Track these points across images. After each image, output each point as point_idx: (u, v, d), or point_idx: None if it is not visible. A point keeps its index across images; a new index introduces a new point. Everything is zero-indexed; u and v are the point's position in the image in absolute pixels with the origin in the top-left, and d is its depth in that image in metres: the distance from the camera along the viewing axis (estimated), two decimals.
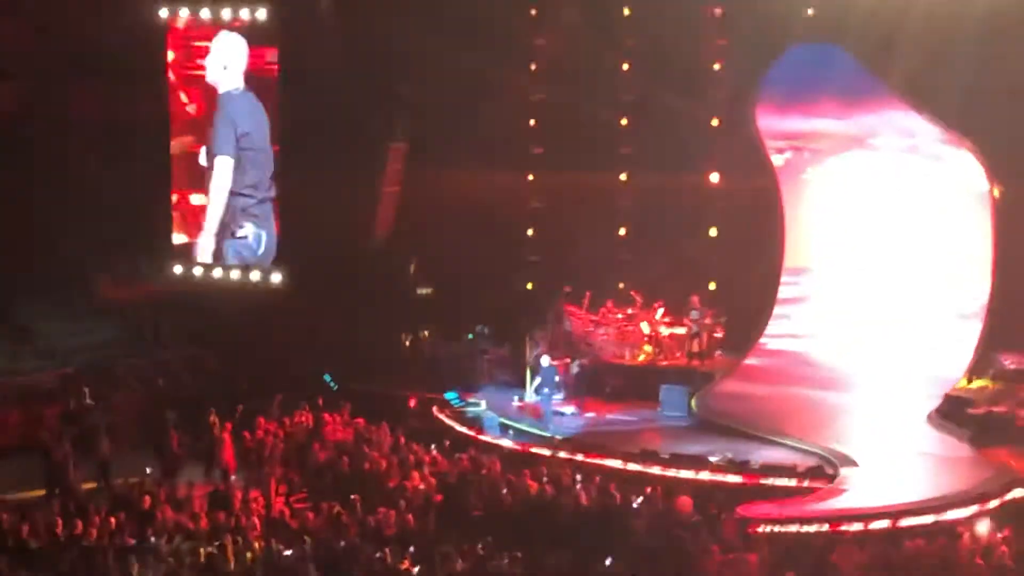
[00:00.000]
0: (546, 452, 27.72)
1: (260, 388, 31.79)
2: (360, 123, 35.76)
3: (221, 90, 36.31)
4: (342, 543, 21.82)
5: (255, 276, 36.04)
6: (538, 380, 31.92)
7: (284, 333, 34.58)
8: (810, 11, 33.29)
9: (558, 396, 32.06)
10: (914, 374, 31.88)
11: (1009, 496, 24.30)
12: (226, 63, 36.10)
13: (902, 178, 33.59)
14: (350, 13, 35.60)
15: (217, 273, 36.38)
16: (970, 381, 31.21)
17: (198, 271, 36.49)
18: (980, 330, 31.93)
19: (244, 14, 35.84)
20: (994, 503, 23.91)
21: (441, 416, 31.76)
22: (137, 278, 36.86)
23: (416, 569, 20.56)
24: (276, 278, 36.01)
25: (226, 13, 36.02)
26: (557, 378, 31.91)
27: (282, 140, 35.51)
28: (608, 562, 20.53)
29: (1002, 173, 31.66)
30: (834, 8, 32.57)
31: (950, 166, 32.70)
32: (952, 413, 29.41)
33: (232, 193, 36.15)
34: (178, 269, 36.59)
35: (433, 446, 28.76)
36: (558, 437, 29.59)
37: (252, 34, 36.04)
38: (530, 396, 32.45)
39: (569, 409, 31.88)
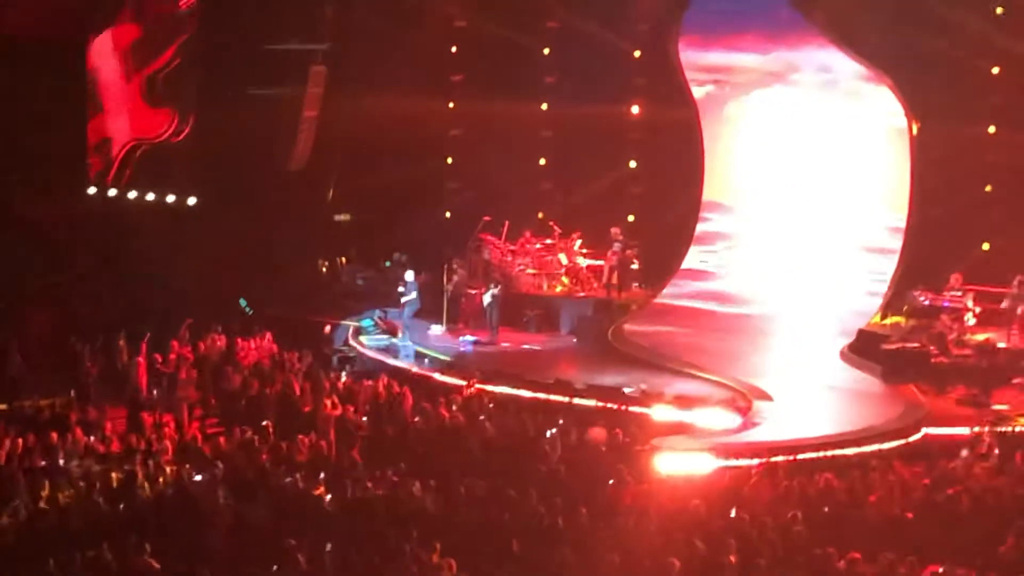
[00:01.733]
0: (461, 381, 27.63)
1: (174, 312, 31.50)
2: (280, 45, 35.38)
3: None
4: (254, 469, 21.72)
5: (171, 199, 35.64)
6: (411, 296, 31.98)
7: (199, 257, 34.21)
8: None
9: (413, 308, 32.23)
10: (829, 310, 32.06)
11: (920, 432, 24.51)
12: None
13: (821, 114, 33.68)
14: None
15: (132, 195, 35.92)
16: (884, 317, 31.46)
17: (112, 192, 36.01)
18: (895, 267, 32.15)
19: None
20: (904, 439, 24.11)
21: (355, 343, 31.67)
22: (52, 197, 36.33)
23: (328, 495, 20.49)
24: (192, 201, 35.64)
25: None
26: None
27: (202, 62, 35.00)
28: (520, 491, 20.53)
29: (920, 110, 31.80)
30: None
31: (869, 102, 32.81)
32: (866, 349, 29.60)
33: None
34: (92, 190, 36.10)
35: (344, 373, 28.68)
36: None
37: None
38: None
39: (470, 337, 31.81)
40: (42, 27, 32.74)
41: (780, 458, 22.65)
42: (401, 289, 31.95)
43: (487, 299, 32.30)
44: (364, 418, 25.06)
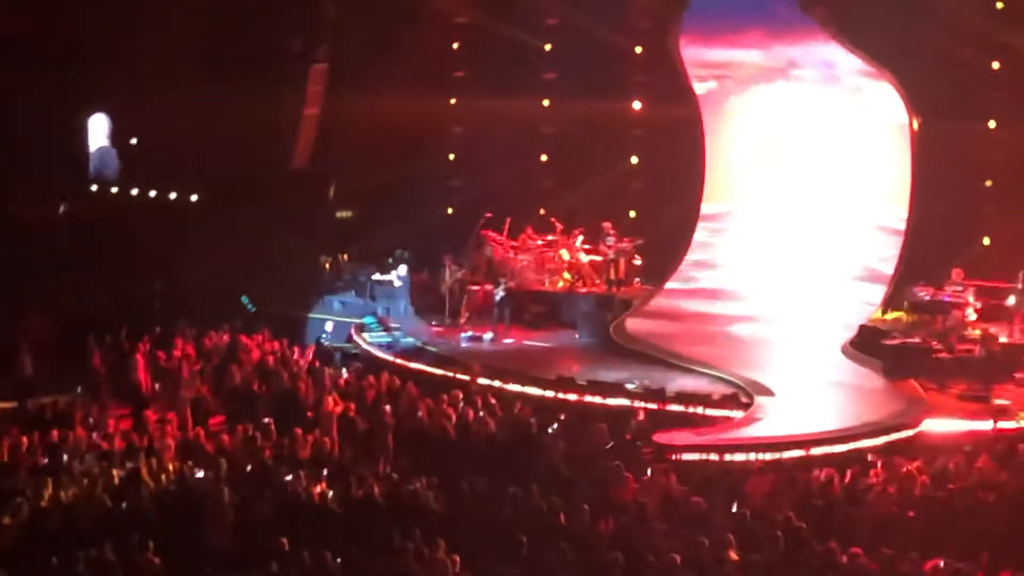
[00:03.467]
0: (463, 377, 27.66)
1: (177, 309, 31.56)
2: (282, 43, 35.42)
3: None
4: (256, 465, 21.77)
5: (173, 196, 35.70)
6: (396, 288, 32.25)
7: (202, 254, 34.26)
8: None
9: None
10: (830, 305, 32.08)
11: (921, 427, 24.56)
12: None
13: (823, 110, 33.71)
14: None
15: (134, 192, 36.00)
16: (885, 312, 31.48)
17: (114, 190, 36.09)
18: (896, 262, 32.18)
19: None
20: (906, 433, 24.17)
21: (358, 339, 31.73)
22: (52, 197, 36.43)
23: (331, 492, 20.54)
24: (194, 198, 35.70)
25: None
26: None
27: (204, 59, 35.03)
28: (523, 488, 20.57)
29: (922, 106, 31.83)
30: None
31: (871, 98, 32.82)
32: (867, 344, 29.62)
33: None
34: (94, 187, 36.18)
35: (346, 370, 28.74)
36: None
37: None
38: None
39: (488, 335, 31.89)
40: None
41: (782, 454, 22.73)
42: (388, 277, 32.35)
43: (498, 295, 32.34)
44: (367, 415, 25.08)
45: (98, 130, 36.23)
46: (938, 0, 31.04)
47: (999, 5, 32.19)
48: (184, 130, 34.85)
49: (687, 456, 22.66)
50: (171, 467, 21.73)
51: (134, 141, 36.11)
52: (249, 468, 21.75)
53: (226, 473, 21.21)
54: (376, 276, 34.05)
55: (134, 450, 22.61)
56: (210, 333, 30.11)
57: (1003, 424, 24.56)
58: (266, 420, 24.12)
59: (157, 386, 27.78)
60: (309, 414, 25.15)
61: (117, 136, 36.92)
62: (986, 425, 24.48)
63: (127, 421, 25.54)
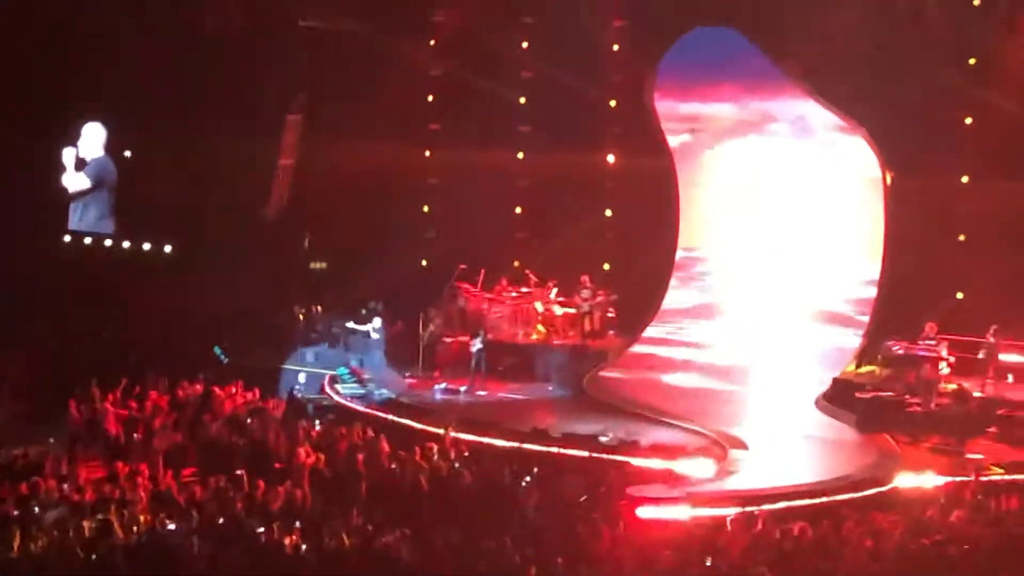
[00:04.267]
0: (437, 429, 27.59)
1: (150, 360, 31.43)
2: (257, 94, 35.44)
3: None
4: (228, 518, 21.62)
5: (147, 247, 35.61)
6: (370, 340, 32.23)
7: (174, 305, 34.15)
8: None
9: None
10: (804, 358, 32.14)
11: (894, 481, 24.56)
12: None
13: (797, 163, 33.91)
14: None
15: (108, 243, 35.91)
16: (859, 366, 31.56)
17: (88, 240, 35.99)
18: (870, 316, 32.28)
19: None
20: (880, 488, 24.16)
21: (332, 391, 31.63)
22: (28, 246, 36.26)
23: (303, 545, 20.40)
24: (168, 249, 35.62)
25: None
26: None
27: (179, 109, 34.99)
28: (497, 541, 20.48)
29: (895, 160, 32.04)
30: None
31: (844, 152, 33.02)
32: (840, 397, 29.68)
33: None
34: (68, 238, 36.07)
35: (319, 422, 28.65)
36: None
37: None
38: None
39: (463, 387, 31.85)
40: None
41: (756, 507, 22.68)
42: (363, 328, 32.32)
43: (476, 346, 32.30)
44: (339, 466, 24.96)
45: (94, 139, 35.93)
46: (911, 56, 31.24)
47: (971, 61, 32.39)
48: (158, 180, 34.79)
49: (661, 509, 22.59)
50: (142, 519, 21.55)
51: (128, 153, 35.83)
52: (221, 520, 21.59)
53: (197, 525, 21.06)
54: (351, 325, 33.99)
55: (105, 501, 22.45)
56: (183, 383, 29.97)
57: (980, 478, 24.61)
58: (239, 472, 23.98)
59: (130, 437, 27.61)
60: (281, 466, 25.03)
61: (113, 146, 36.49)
62: (960, 479, 24.48)
63: (99, 471, 25.37)
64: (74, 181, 35.26)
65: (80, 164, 35.76)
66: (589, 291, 34.15)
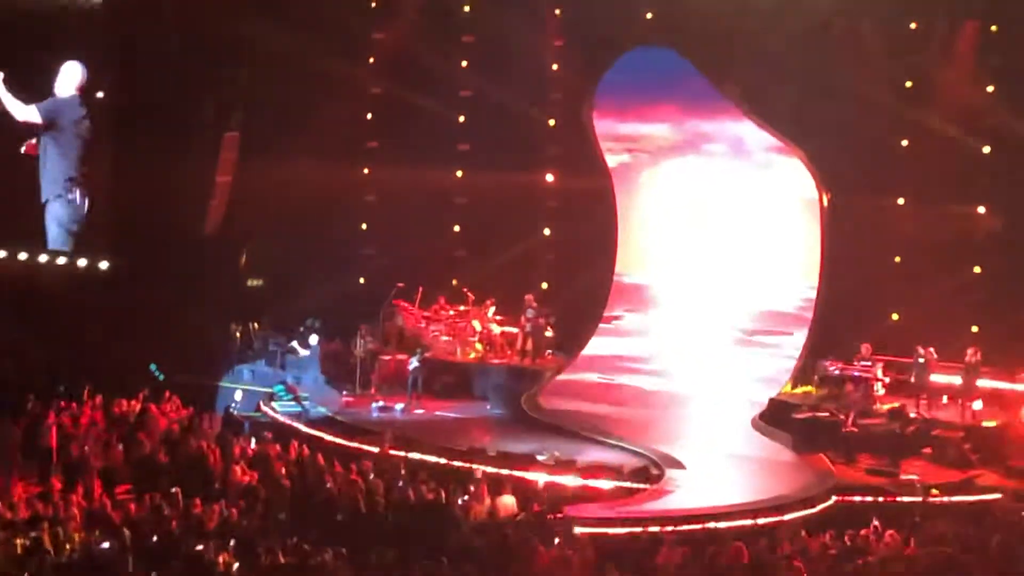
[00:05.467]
0: (372, 447, 27.50)
1: (84, 377, 31.17)
2: (193, 110, 35.25)
3: None
4: (163, 536, 21.47)
5: (82, 263, 35.29)
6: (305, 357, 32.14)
7: (110, 322, 33.88)
8: (649, 14, 33.57)
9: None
10: (740, 378, 32.25)
11: (830, 501, 24.67)
12: None
13: (734, 184, 34.03)
14: None
15: (43, 258, 35.56)
16: (795, 386, 31.70)
17: (23, 256, 35.63)
18: (806, 336, 32.42)
19: None
20: (814, 508, 24.26)
21: (268, 408, 31.49)
22: None
23: (237, 563, 20.28)
24: (104, 265, 35.34)
25: None
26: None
27: (115, 125, 34.74)
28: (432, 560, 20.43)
29: (831, 182, 32.23)
30: (673, 12, 32.88)
31: (781, 174, 33.18)
32: (777, 418, 29.79)
33: None
34: (2, 253, 35.70)
35: (255, 439, 28.51)
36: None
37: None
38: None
39: (399, 405, 31.77)
40: None
41: (692, 526, 22.72)
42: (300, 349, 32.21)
43: (413, 364, 32.23)
44: (274, 484, 24.84)
45: (70, 78, 35.10)
46: (848, 78, 31.45)
47: (907, 84, 32.65)
48: (93, 196, 34.51)
49: (597, 529, 22.59)
50: (76, 537, 21.38)
51: (100, 95, 35.22)
52: (155, 538, 21.44)
53: (132, 543, 20.90)
54: (294, 345, 33.82)
55: (38, 519, 22.23)
56: (119, 401, 29.75)
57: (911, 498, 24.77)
58: (173, 489, 23.82)
59: (65, 454, 27.36)
60: (217, 484, 24.88)
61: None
62: (894, 499, 24.65)
63: (34, 488, 25.14)
64: (20, 110, 34.36)
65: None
66: (533, 310, 34.13)
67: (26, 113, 33.79)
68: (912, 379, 30.15)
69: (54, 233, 34.44)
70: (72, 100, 34.30)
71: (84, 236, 34.87)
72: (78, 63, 34.23)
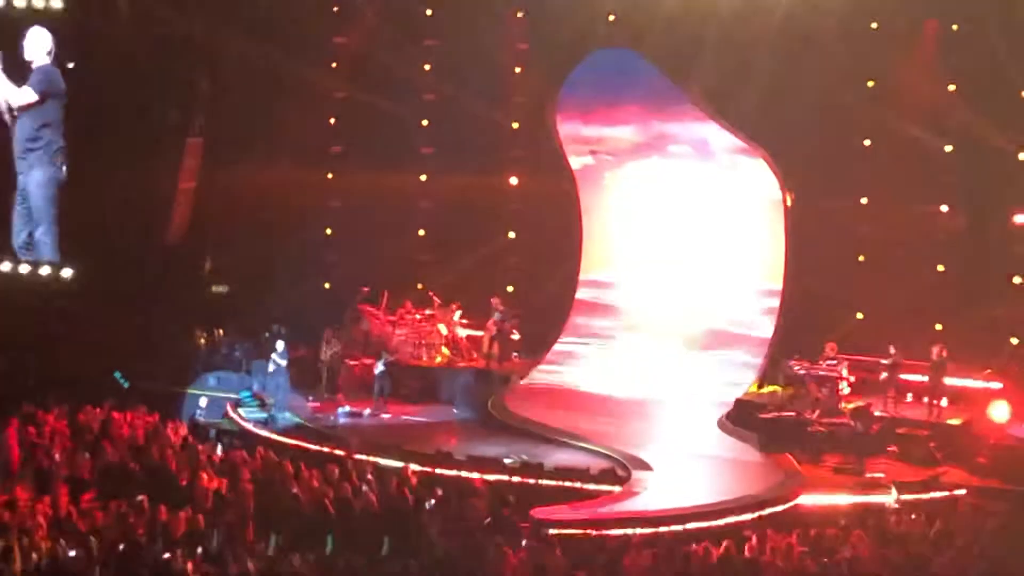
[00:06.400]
0: (339, 452, 27.43)
1: (48, 385, 31.02)
2: (156, 116, 35.12)
3: None
4: (130, 544, 21.39)
5: (45, 271, 35.10)
6: (273, 367, 31.99)
7: (74, 329, 33.73)
8: (611, 16, 33.59)
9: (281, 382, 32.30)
10: (706, 379, 32.30)
11: (796, 500, 24.74)
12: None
13: (698, 185, 34.02)
14: (147, 2, 34.77)
15: (5, 267, 35.37)
16: (761, 386, 31.77)
17: None
18: (771, 336, 32.48)
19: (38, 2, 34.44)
20: (781, 507, 24.32)
21: (234, 415, 31.40)
22: None
23: (205, 570, 20.22)
24: (67, 273, 35.15)
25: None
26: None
27: (76, 131, 34.54)
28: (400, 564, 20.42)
29: (795, 182, 32.30)
30: (636, 14, 32.89)
31: (744, 174, 33.18)
32: (743, 418, 29.85)
33: None
34: None
35: (221, 446, 28.44)
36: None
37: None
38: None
39: (366, 410, 31.73)
40: None
41: (659, 527, 22.76)
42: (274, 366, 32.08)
43: (379, 368, 32.19)
44: (241, 491, 24.76)
45: (39, 45, 34.45)
46: (810, 78, 31.52)
47: (869, 84, 32.77)
48: (55, 203, 34.32)
49: (565, 531, 22.60)
50: (43, 546, 21.28)
51: (71, 65, 34.81)
52: (122, 546, 21.36)
53: (98, 552, 20.83)
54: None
55: (4, 528, 22.12)
56: (84, 408, 29.61)
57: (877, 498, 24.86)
58: (139, 497, 23.73)
59: (30, 462, 27.22)
60: (183, 491, 24.78)
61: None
62: (861, 498, 24.73)
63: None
64: (16, 95, 33.87)
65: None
66: (500, 314, 34.14)
67: (22, 96, 33.43)
68: (883, 377, 30.29)
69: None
70: (53, 70, 33.75)
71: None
72: (43, 28, 33.60)
